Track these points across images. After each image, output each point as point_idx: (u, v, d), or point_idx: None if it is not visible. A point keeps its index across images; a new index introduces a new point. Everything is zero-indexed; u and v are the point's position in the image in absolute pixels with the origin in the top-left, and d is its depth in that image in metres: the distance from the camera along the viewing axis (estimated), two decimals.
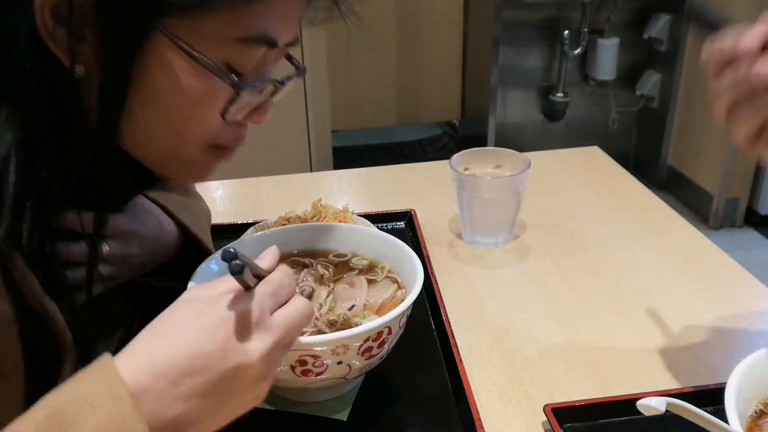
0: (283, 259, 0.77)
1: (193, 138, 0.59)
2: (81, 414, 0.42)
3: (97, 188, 0.63)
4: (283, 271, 0.54)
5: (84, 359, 0.47)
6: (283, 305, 0.52)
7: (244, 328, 0.48)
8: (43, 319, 0.55)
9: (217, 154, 0.62)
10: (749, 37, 0.51)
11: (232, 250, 0.47)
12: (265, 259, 0.56)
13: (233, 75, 0.55)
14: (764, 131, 0.54)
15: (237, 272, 0.47)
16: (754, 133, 0.54)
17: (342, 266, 0.77)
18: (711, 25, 0.56)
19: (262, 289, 0.51)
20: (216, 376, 0.46)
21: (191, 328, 0.47)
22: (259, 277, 0.53)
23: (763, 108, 0.52)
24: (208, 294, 0.50)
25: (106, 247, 0.70)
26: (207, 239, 0.83)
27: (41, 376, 0.54)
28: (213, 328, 0.47)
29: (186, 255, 0.81)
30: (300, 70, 0.64)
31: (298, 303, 0.53)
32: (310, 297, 0.71)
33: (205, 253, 0.80)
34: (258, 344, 0.48)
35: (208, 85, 0.55)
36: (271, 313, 0.51)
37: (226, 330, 0.47)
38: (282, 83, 0.61)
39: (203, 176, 0.64)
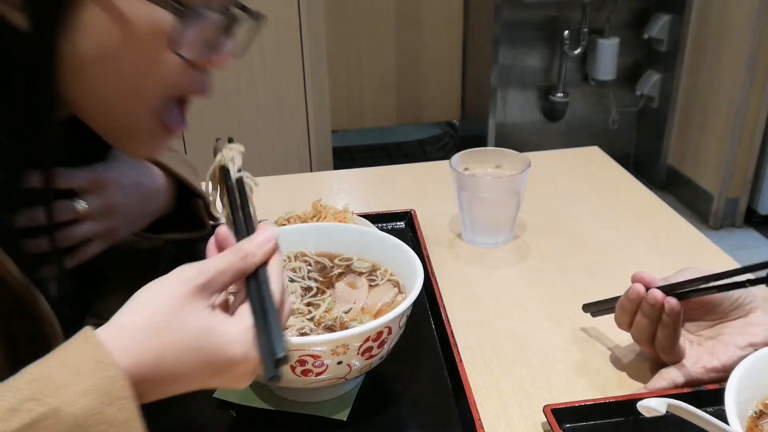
0: (297, 257, 0.78)
1: (149, 90, 0.58)
2: (66, 380, 0.43)
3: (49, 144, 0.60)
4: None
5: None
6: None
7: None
8: (29, 307, 0.56)
9: (171, 126, 0.61)
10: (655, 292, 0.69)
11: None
12: (260, 232, 0.54)
13: (175, 2, 0.54)
14: (654, 338, 0.71)
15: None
16: (649, 338, 0.71)
17: (345, 268, 0.77)
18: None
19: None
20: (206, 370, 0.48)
21: (179, 332, 0.47)
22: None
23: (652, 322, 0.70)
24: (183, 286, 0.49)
25: (82, 204, 0.69)
26: (194, 180, 0.84)
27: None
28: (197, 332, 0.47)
29: (183, 204, 0.84)
30: (254, 15, 0.60)
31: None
32: (315, 295, 0.71)
33: (196, 196, 0.84)
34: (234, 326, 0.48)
35: (150, 16, 0.53)
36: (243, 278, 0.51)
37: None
38: (229, 12, 0.58)
39: (155, 149, 0.66)
